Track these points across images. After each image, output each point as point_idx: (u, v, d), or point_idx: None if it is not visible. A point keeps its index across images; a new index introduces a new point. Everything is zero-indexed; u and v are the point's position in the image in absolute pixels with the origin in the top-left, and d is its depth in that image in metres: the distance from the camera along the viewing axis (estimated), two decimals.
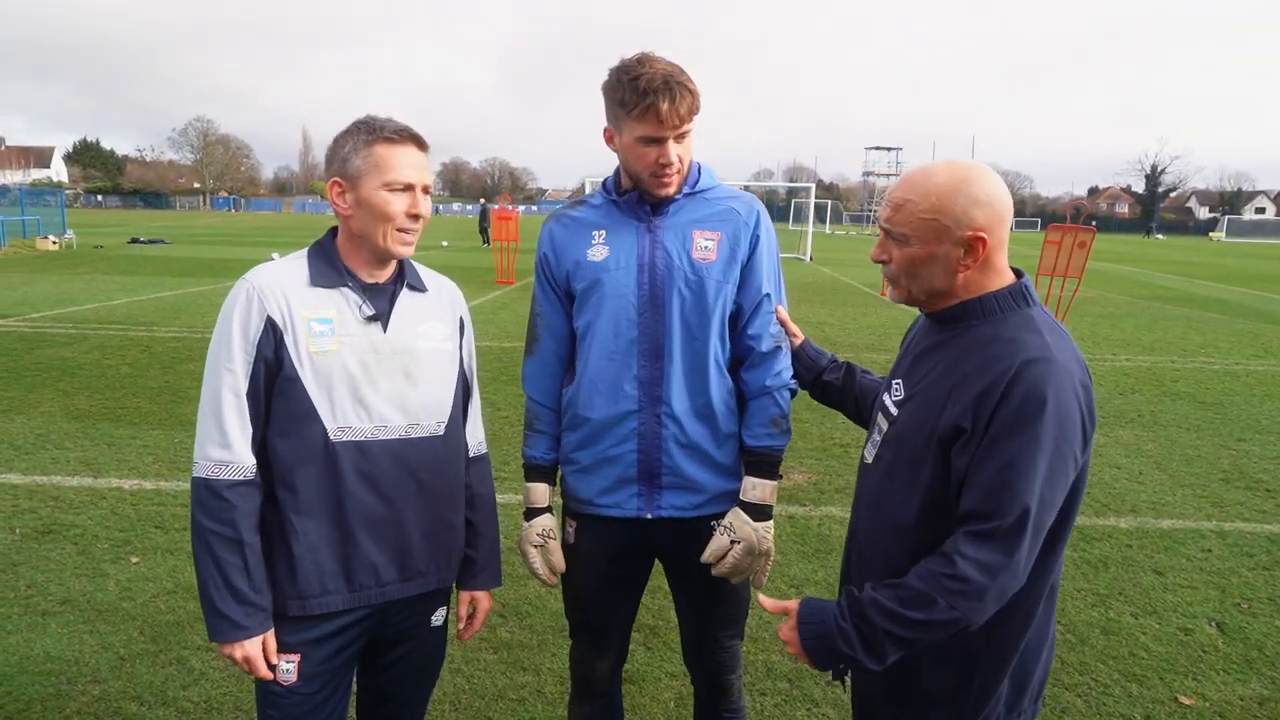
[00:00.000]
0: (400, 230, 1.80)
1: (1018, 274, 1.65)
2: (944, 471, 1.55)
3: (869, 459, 1.78)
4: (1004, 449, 1.45)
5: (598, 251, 2.08)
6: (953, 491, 1.53)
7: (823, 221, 62.34)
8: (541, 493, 2.21)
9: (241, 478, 1.73)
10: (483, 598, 2.11)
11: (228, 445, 1.72)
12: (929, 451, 1.57)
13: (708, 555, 2.10)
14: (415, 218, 1.81)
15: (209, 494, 1.72)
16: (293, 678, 1.80)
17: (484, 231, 31.71)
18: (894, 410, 1.72)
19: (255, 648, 1.75)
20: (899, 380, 1.75)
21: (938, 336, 1.68)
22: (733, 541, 2.09)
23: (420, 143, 1.82)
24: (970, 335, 1.60)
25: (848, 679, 1.86)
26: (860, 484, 1.83)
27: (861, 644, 1.52)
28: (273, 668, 1.80)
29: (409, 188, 1.79)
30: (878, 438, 1.76)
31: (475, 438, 2.10)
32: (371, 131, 1.78)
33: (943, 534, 1.54)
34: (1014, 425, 1.44)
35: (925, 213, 1.56)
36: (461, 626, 2.11)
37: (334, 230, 1.89)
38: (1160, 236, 76.33)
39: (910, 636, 1.50)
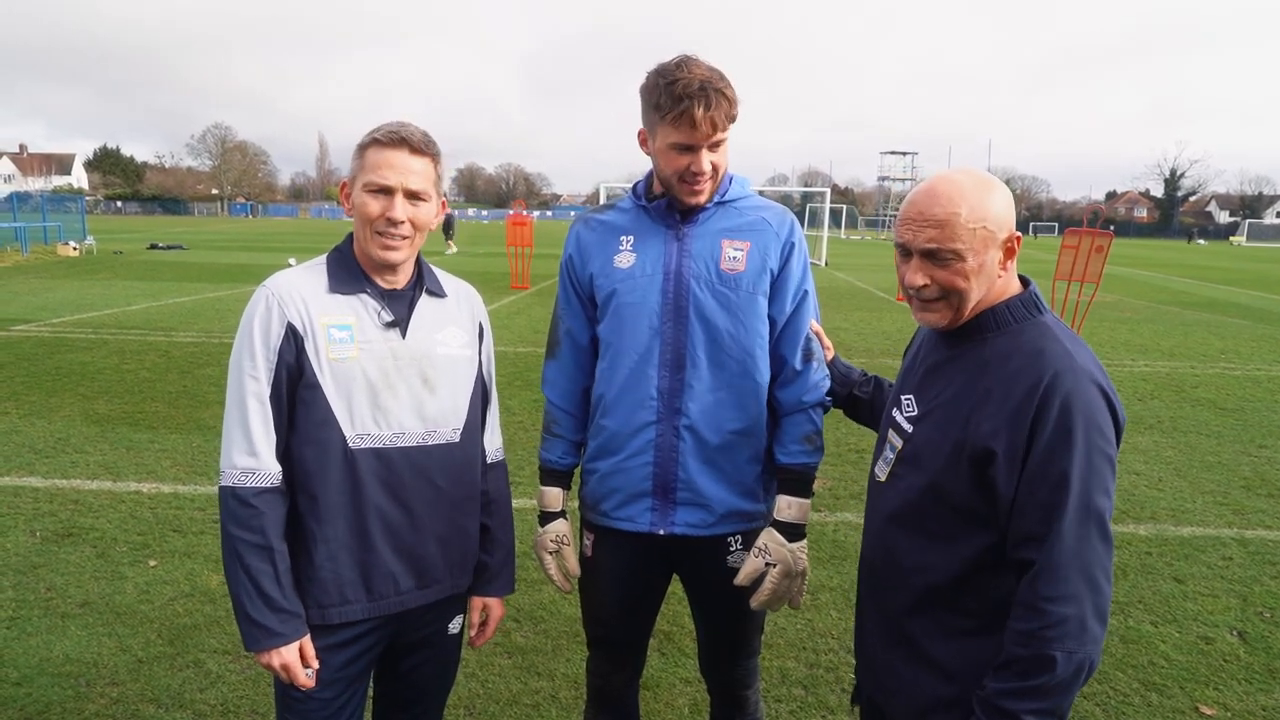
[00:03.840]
0: (379, 234, 1.77)
1: (1024, 282, 1.64)
2: (980, 490, 1.51)
3: (882, 477, 1.74)
4: (1053, 469, 1.42)
5: (624, 258, 2.04)
6: (1002, 512, 1.48)
7: (838, 226, 62.20)
8: (555, 497, 2.20)
9: (268, 485, 1.73)
10: (495, 604, 2.09)
11: (254, 453, 1.72)
12: (959, 471, 1.53)
13: (742, 579, 2.05)
14: (391, 222, 1.76)
15: (237, 502, 1.71)
16: (312, 683, 1.80)
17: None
18: (908, 427, 1.67)
19: (292, 654, 1.74)
20: (909, 396, 1.70)
21: (950, 351, 1.64)
22: (768, 564, 2.03)
23: (414, 147, 1.77)
24: (986, 349, 1.56)
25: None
26: (874, 503, 1.78)
27: None
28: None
29: (386, 190, 1.76)
30: (890, 455, 1.71)
31: (493, 444, 2.09)
32: (370, 134, 1.79)
33: (989, 550, 1.51)
34: (1056, 443, 1.42)
35: (974, 222, 1.51)
36: (474, 633, 2.10)
37: (353, 235, 1.90)
38: (1202, 242, 76.17)
39: (1051, 705, 1.43)
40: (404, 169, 1.76)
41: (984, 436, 1.48)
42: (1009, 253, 1.56)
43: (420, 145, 1.78)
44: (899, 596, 1.66)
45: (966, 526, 1.54)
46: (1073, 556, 1.40)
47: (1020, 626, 1.43)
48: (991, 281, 1.57)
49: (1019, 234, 1.57)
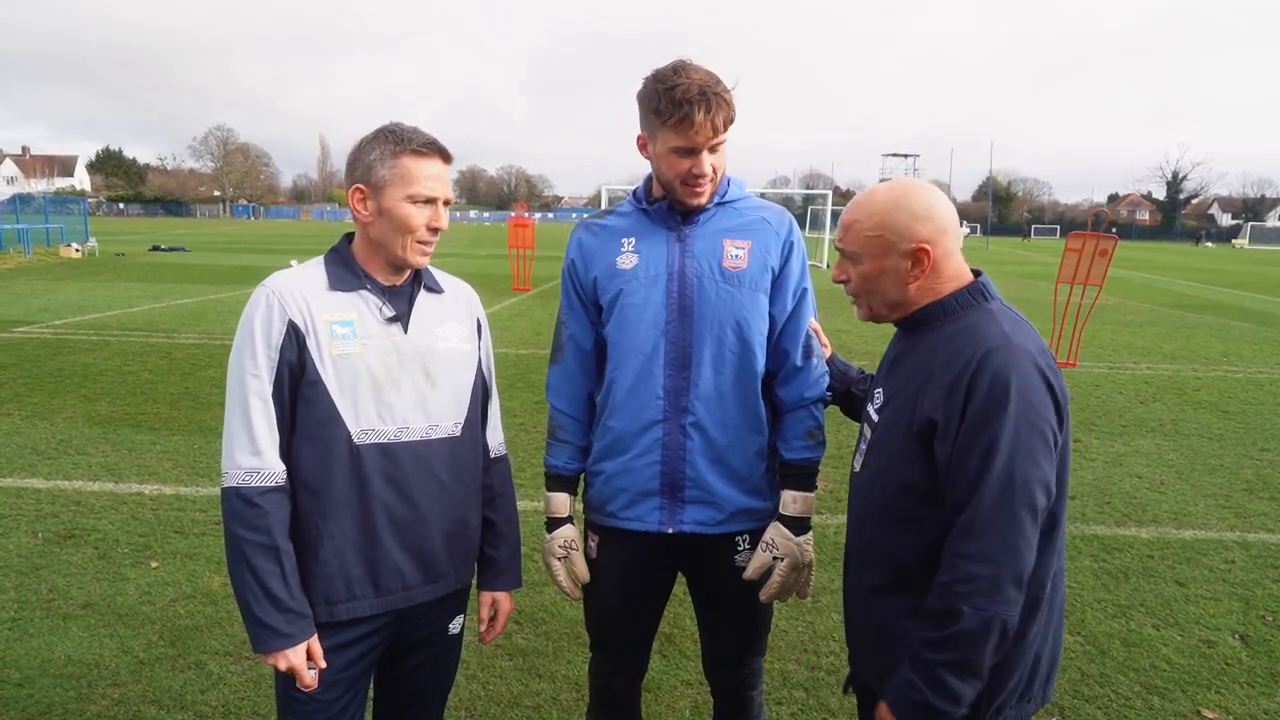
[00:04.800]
0: (420, 242, 1.82)
1: (976, 274, 1.73)
2: (929, 468, 1.60)
3: (858, 468, 1.84)
4: (981, 437, 1.50)
5: (627, 259, 2.06)
6: (940, 483, 1.58)
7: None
8: (562, 503, 2.20)
9: (273, 484, 1.73)
10: (504, 599, 2.10)
11: (258, 452, 1.72)
12: (911, 449, 1.62)
13: (750, 573, 2.09)
14: (435, 230, 1.83)
15: (241, 503, 1.71)
16: (315, 683, 1.80)
17: None
18: (875, 417, 1.78)
19: (299, 656, 1.74)
20: (879, 388, 1.81)
21: (906, 342, 1.77)
22: (776, 558, 2.07)
23: (446, 156, 1.84)
24: (934, 335, 1.68)
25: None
26: (852, 494, 1.88)
27: (928, 685, 1.52)
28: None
29: (431, 201, 1.80)
30: (864, 446, 1.82)
31: (495, 439, 2.10)
32: (399, 142, 1.78)
33: (951, 530, 1.57)
34: (986, 412, 1.50)
35: (870, 230, 1.67)
36: (483, 629, 2.10)
37: (349, 236, 1.90)
38: (1209, 245, 76.28)
39: (960, 658, 1.50)
40: (443, 178, 1.83)
41: (926, 411, 1.59)
42: (916, 261, 1.66)
43: (449, 154, 1.86)
44: (876, 580, 1.74)
45: (927, 508, 1.62)
46: (992, 519, 1.48)
47: (939, 578, 1.54)
48: (901, 287, 1.69)
49: (927, 248, 1.64)
